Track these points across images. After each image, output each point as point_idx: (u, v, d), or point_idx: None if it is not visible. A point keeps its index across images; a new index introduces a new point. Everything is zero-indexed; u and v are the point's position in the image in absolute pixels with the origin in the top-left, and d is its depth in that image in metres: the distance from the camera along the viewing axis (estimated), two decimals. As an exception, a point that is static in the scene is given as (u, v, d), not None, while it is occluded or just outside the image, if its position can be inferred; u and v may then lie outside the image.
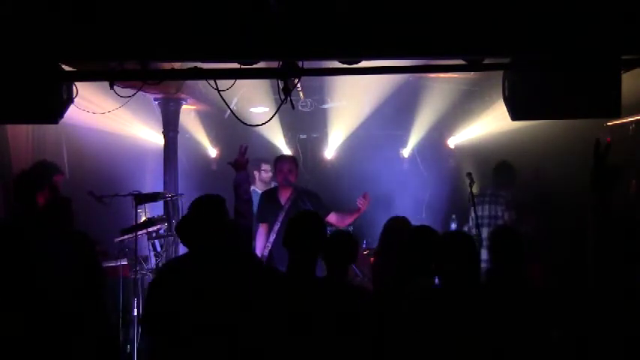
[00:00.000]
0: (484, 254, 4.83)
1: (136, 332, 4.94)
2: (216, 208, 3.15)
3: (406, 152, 8.18)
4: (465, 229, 6.38)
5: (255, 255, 3.19)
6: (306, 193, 5.20)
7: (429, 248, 3.05)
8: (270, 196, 5.26)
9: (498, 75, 4.05)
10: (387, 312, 2.85)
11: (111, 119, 5.90)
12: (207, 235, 3.03)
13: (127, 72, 3.94)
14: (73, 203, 3.92)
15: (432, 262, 3.00)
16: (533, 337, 2.83)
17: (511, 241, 3.32)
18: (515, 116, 3.87)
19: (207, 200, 3.22)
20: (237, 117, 4.12)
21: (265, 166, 6.37)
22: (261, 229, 5.12)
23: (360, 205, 5.11)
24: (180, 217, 5.49)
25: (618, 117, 4.18)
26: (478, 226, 5.01)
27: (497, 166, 5.87)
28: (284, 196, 5.14)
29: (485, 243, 5.02)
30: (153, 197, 5.39)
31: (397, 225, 3.57)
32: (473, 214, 5.59)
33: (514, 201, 5.71)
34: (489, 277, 3.43)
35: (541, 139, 6.20)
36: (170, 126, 6.25)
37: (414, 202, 7.44)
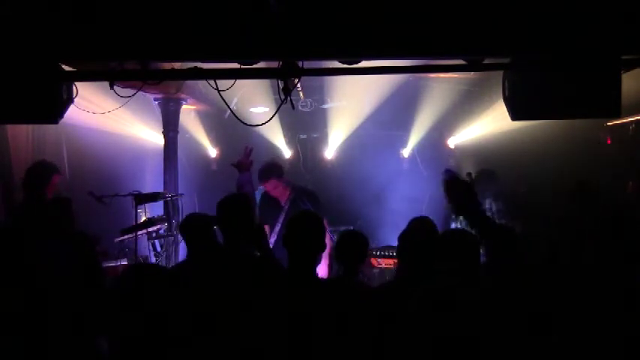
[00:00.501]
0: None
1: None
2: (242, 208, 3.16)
3: (406, 152, 8.18)
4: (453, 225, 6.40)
5: (266, 253, 3.16)
6: (306, 193, 5.19)
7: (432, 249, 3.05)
8: (270, 197, 5.24)
9: (498, 75, 4.05)
10: (388, 312, 2.84)
11: (111, 119, 5.90)
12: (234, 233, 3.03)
13: (127, 72, 3.94)
14: (73, 203, 3.93)
15: (435, 261, 2.99)
16: (532, 335, 2.83)
17: (508, 240, 3.33)
18: (515, 116, 3.87)
19: (232, 200, 3.23)
20: (237, 117, 4.12)
21: None
22: None
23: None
24: (180, 217, 5.51)
25: (618, 117, 4.18)
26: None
27: (479, 174, 5.90)
28: (283, 197, 5.15)
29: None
30: (153, 197, 5.39)
31: (415, 226, 3.51)
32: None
33: (502, 194, 5.76)
34: (486, 275, 3.44)
35: (541, 139, 6.20)
36: (170, 126, 6.25)
37: (414, 202, 7.44)
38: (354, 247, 3.23)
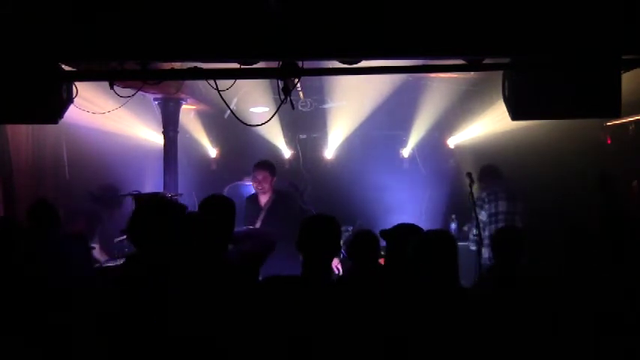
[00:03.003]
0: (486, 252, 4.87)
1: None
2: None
3: (406, 152, 8.18)
4: (466, 228, 6.39)
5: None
6: (287, 197, 5.43)
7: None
8: (252, 200, 5.46)
9: (498, 75, 4.05)
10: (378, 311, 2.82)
11: (111, 119, 5.90)
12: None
13: (127, 72, 3.94)
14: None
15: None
16: (531, 336, 2.84)
17: (513, 240, 3.34)
18: (515, 116, 3.87)
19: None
20: (237, 117, 4.13)
21: None
22: None
23: None
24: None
25: (618, 117, 4.18)
26: (478, 226, 5.02)
27: (484, 171, 5.87)
28: (263, 199, 5.34)
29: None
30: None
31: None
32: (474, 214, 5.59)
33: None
34: (490, 275, 3.45)
35: (541, 139, 6.21)
36: (170, 126, 6.24)
37: (414, 202, 7.44)
38: (367, 247, 3.22)
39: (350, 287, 3.07)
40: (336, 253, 2.83)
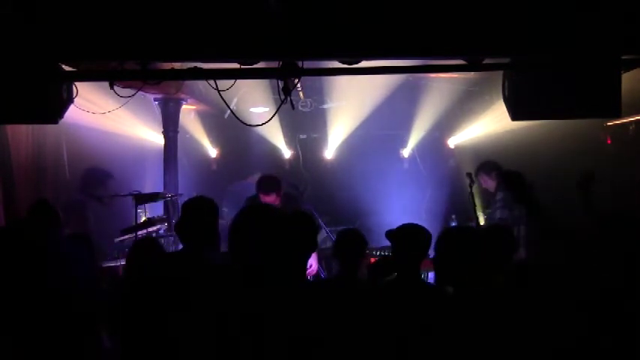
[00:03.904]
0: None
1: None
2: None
3: (406, 152, 8.18)
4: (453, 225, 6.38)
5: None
6: (293, 199, 5.39)
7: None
8: (253, 201, 5.28)
9: (498, 75, 4.05)
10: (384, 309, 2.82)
11: (111, 119, 5.89)
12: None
13: (127, 72, 3.94)
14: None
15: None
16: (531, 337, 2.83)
17: (503, 237, 3.34)
18: (515, 116, 3.87)
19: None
20: (237, 117, 4.13)
21: None
22: None
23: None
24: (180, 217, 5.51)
25: (618, 117, 4.18)
26: (478, 226, 5.02)
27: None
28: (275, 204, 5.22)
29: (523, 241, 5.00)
30: (153, 197, 5.39)
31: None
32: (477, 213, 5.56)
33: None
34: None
35: (541, 139, 6.20)
36: (170, 126, 6.25)
37: (413, 203, 7.44)
38: (352, 245, 3.23)
39: (329, 286, 3.06)
40: (311, 250, 2.81)
